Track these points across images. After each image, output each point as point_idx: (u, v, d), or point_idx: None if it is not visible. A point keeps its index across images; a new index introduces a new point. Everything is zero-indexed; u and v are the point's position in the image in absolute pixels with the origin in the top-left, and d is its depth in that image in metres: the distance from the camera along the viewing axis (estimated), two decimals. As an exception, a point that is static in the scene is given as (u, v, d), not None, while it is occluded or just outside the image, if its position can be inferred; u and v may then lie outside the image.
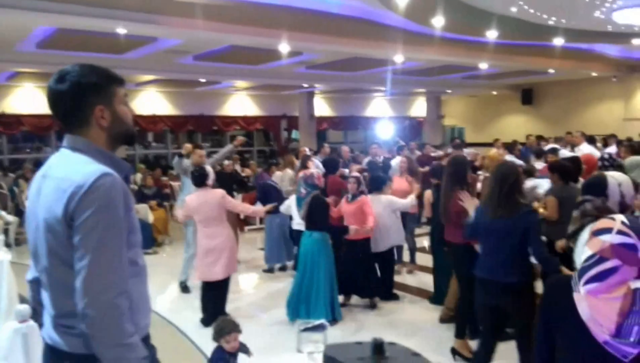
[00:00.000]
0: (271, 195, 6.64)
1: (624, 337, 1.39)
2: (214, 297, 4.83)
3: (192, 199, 4.89)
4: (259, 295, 5.99)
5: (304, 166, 6.92)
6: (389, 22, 8.01)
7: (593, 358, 1.45)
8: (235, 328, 3.26)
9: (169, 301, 5.80)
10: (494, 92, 16.90)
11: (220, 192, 4.85)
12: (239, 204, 5.53)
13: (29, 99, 12.20)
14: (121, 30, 6.97)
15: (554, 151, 7.62)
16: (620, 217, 1.51)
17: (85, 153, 1.52)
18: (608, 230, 1.47)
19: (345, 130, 18.18)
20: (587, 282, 1.46)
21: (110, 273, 1.42)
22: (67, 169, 1.49)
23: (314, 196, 4.74)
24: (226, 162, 7.29)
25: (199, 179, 4.86)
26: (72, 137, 1.56)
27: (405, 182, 6.34)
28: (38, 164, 12.56)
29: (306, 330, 4.22)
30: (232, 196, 6.69)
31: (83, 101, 1.54)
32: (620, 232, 1.45)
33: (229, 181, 7.37)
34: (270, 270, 6.83)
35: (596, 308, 1.44)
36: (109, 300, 1.41)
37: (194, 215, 4.88)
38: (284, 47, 8.50)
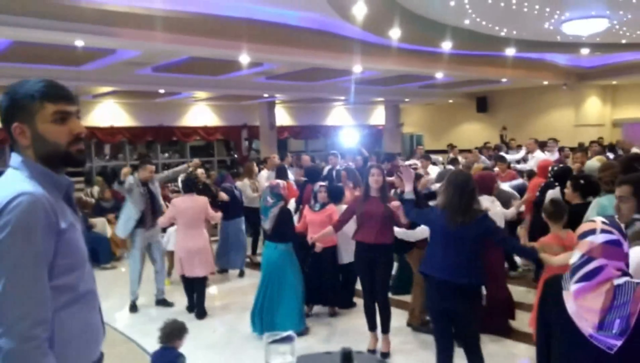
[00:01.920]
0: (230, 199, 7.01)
1: (607, 330, 1.52)
2: (197, 292, 5.55)
3: (179, 202, 5.49)
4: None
5: (281, 175, 6.86)
6: (347, 34, 8.17)
7: (582, 352, 1.57)
8: (185, 329, 3.46)
9: (127, 317, 5.70)
10: (450, 101, 17.42)
11: (205, 199, 5.62)
12: (213, 213, 5.92)
13: None
14: (79, 43, 6.84)
15: (501, 158, 8.03)
16: (599, 218, 1.66)
17: (22, 171, 1.46)
18: (592, 231, 1.62)
19: (306, 139, 18.29)
20: (577, 281, 1.60)
21: (26, 301, 1.31)
22: None
23: (282, 208, 4.75)
24: (200, 171, 7.23)
25: (188, 185, 5.55)
26: (13, 154, 1.52)
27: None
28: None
29: (274, 342, 4.21)
30: None
31: (5, 118, 1.50)
32: (603, 231, 1.60)
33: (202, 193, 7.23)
34: (224, 271, 7.19)
35: (581, 304, 1.57)
36: (24, 331, 1.29)
37: (179, 218, 5.47)
38: (244, 58, 8.52)
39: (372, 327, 4.47)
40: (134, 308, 5.80)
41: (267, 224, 4.76)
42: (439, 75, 11.79)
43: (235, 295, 6.38)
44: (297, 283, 4.83)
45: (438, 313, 3.38)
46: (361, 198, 4.41)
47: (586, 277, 1.59)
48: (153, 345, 4.54)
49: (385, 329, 4.39)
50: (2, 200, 1.35)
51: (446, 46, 9.03)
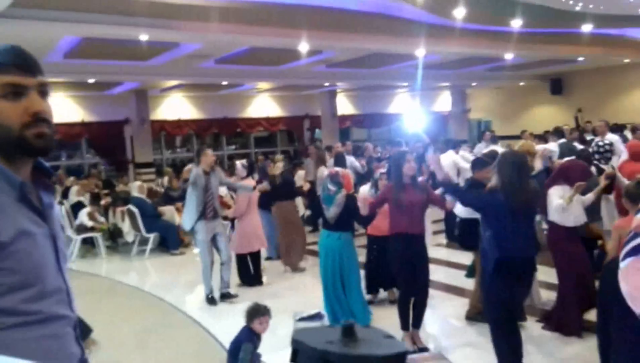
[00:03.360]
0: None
1: None
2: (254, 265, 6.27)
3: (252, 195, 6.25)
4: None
5: (339, 164, 6.84)
6: (408, 16, 7.96)
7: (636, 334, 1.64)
8: (268, 311, 3.49)
9: (195, 301, 5.91)
10: (521, 83, 16.58)
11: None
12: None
13: (60, 108, 12.56)
14: (143, 37, 7.14)
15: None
16: None
17: None
18: None
19: (369, 127, 18.13)
20: (624, 257, 1.63)
21: None
22: None
23: (348, 197, 4.70)
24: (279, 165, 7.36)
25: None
26: None
27: None
28: (71, 171, 13.01)
29: (302, 319, 4.17)
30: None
31: None
32: None
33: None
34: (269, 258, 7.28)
35: (632, 282, 1.59)
36: None
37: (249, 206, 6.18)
38: (303, 47, 8.54)
39: (408, 325, 4.26)
40: (212, 301, 5.70)
41: (330, 213, 4.69)
42: (508, 56, 11.22)
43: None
44: (359, 273, 4.82)
45: (511, 298, 3.41)
46: (395, 187, 4.25)
47: (633, 252, 1.60)
48: (220, 329, 4.76)
49: (420, 324, 4.29)
50: None
51: (516, 24, 8.55)
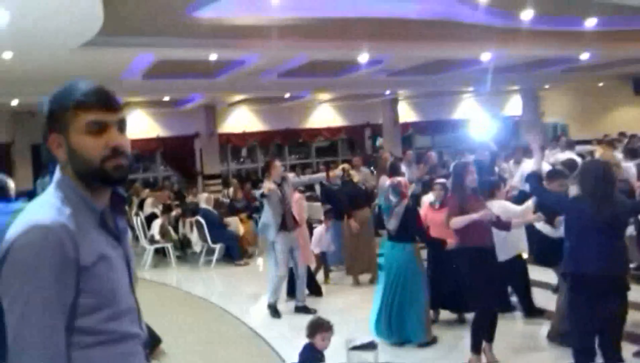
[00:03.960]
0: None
1: None
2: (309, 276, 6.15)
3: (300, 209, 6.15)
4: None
5: (394, 172, 6.81)
6: (471, 19, 7.80)
7: None
8: (331, 327, 3.46)
9: (258, 313, 6.06)
10: (600, 84, 15.66)
11: None
12: None
13: (138, 125, 13.17)
14: (212, 57, 7.56)
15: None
16: None
17: (58, 191, 1.27)
18: None
19: (432, 134, 17.82)
20: None
21: (36, 357, 1.15)
22: (22, 214, 1.26)
23: (407, 206, 4.65)
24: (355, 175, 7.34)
25: None
26: (56, 170, 1.32)
27: None
28: (146, 183, 13.86)
29: (356, 348, 4.12)
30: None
31: (44, 129, 1.30)
32: None
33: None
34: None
35: None
36: None
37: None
38: (363, 57, 8.61)
39: (480, 348, 4.07)
40: (276, 313, 5.72)
41: (391, 224, 4.66)
42: (584, 56, 10.67)
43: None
44: (424, 287, 4.69)
45: (590, 320, 3.20)
46: (458, 199, 4.14)
47: None
48: (280, 343, 4.88)
49: (493, 339, 4.14)
50: (12, 236, 1.19)
51: (590, 22, 8.14)
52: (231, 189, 11.85)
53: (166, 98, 11.02)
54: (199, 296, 7.13)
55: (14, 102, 10.25)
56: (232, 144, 15.01)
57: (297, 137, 15.65)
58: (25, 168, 11.98)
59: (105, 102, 1.28)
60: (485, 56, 9.61)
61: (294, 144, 16.28)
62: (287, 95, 12.40)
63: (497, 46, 8.98)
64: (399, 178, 5.06)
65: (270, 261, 5.94)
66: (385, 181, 5.56)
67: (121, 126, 1.31)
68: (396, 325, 4.63)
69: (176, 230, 9.54)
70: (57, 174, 1.30)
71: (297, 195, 6.24)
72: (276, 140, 15.50)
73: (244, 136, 14.88)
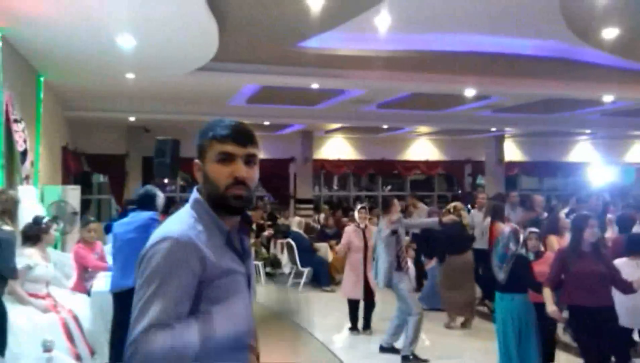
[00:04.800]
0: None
1: None
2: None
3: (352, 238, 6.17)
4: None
5: (497, 216, 6.39)
6: (591, 60, 7.31)
7: None
8: None
9: (343, 339, 6.11)
10: None
11: None
12: None
13: None
14: (314, 85, 7.79)
15: None
16: None
17: (192, 209, 1.47)
18: None
19: (540, 176, 16.80)
20: None
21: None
22: (160, 226, 1.48)
23: (517, 256, 4.40)
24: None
25: None
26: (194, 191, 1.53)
27: None
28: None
29: None
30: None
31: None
32: None
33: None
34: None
35: None
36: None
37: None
38: (469, 92, 8.38)
39: None
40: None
41: (501, 273, 4.41)
42: None
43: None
44: (538, 340, 4.42)
45: None
46: (568, 254, 3.89)
47: None
48: None
49: None
50: (148, 244, 1.40)
51: None
52: (322, 215, 11.97)
53: (266, 123, 11.50)
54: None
55: (131, 118, 11.26)
56: (326, 171, 15.24)
57: (392, 169, 15.52)
58: (137, 179, 13.06)
59: (236, 137, 1.45)
60: (607, 98, 8.92)
61: (389, 175, 16.15)
62: (384, 126, 12.38)
63: (619, 87, 8.31)
64: (515, 226, 4.79)
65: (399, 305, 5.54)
66: (505, 227, 5.12)
67: (249, 160, 1.47)
68: None
69: (267, 249, 9.83)
70: (195, 194, 1.50)
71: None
72: (370, 170, 15.49)
73: (338, 164, 15.05)
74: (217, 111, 10.24)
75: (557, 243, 5.36)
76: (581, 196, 8.81)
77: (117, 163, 12.76)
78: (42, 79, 7.12)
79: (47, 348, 2.01)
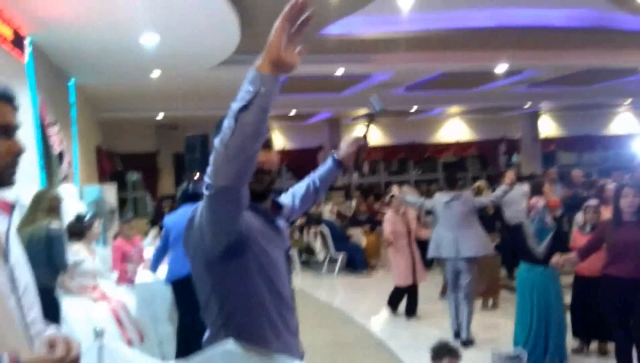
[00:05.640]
0: None
1: None
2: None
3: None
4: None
5: (537, 191, 6.33)
6: (627, 26, 7.04)
7: None
8: (457, 352, 3.29)
9: (382, 323, 6.16)
10: None
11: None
12: None
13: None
14: (339, 72, 7.76)
15: None
16: None
17: None
18: None
19: (579, 151, 16.34)
20: None
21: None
22: None
23: (557, 229, 4.46)
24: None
25: None
26: None
27: None
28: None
29: (502, 358, 3.91)
30: None
31: None
32: None
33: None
34: None
35: None
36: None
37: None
38: (501, 68, 8.20)
39: None
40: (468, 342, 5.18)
41: (541, 248, 4.42)
42: None
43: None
44: (563, 314, 4.46)
45: None
46: (611, 224, 3.85)
47: None
48: (406, 354, 4.87)
49: None
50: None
51: None
52: (354, 202, 12.00)
53: (292, 113, 11.53)
54: (323, 301, 7.38)
55: (159, 116, 11.48)
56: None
57: (423, 152, 15.37)
58: (169, 175, 13.35)
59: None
60: (648, 65, 8.60)
61: (420, 159, 16.00)
62: (414, 108, 12.25)
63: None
64: (556, 199, 4.78)
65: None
66: (539, 201, 5.14)
67: (265, 144, 1.52)
68: (550, 347, 4.38)
69: (301, 237, 9.97)
70: None
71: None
72: (401, 154, 15.38)
73: (368, 150, 14.95)
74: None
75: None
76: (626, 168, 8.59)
77: (148, 161, 13.08)
78: (72, 82, 7.34)
79: (99, 334, 2.13)
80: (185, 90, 9.21)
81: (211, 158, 1.33)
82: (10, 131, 1.29)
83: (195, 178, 5.73)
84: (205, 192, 1.37)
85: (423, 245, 6.27)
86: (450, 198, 5.23)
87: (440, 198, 5.38)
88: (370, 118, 1.98)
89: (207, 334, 1.59)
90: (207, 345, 1.54)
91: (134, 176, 14.12)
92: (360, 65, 7.39)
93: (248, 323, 1.53)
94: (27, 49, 5.03)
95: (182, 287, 3.82)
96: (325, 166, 2.04)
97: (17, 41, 4.76)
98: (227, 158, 1.29)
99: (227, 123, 1.28)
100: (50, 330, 1.37)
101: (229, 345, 1.41)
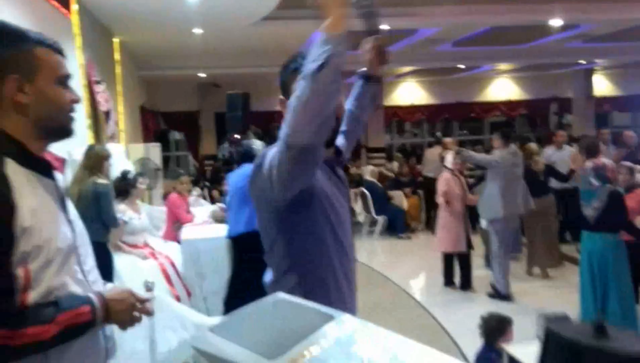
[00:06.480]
0: None
1: None
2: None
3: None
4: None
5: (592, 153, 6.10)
6: None
7: None
8: (510, 322, 3.24)
9: (421, 287, 6.28)
10: None
11: None
12: None
13: None
14: (384, 27, 7.49)
15: None
16: None
17: None
18: None
19: (635, 111, 15.51)
20: None
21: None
22: None
23: (612, 192, 4.23)
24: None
25: None
26: None
27: None
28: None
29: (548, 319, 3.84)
30: None
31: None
32: None
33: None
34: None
35: None
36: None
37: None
38: (555, 22, 7.75)
39: None
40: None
41: (589, 210, 4.28)
42: None
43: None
44: (629, 282, 4.27)
45: None
46: None
47: None
48: (444, 314, 4.96)
49: None
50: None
51: None
52: (395, 164, 11.88)
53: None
54: (362, 262, 7.39)
55: (201, 74, 11.52)
56: (399, 118, 14.94)
57: (469, 112, 14.93)
58: (211, 135, 13.51)
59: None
60: None
61: (465, 119, 15.57)
62: (461, 66, 11.82)
63: None
64: (604, 160, 4.53)
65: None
66: (588, 163, 4.98)
67: None
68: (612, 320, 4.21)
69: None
70: None
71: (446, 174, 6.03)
72: (445, 114, 15.00)
73: (411, 110, 14.69)
74: (286, 62, 10.24)
75: None
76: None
77: (191, 120, 13.24)
78: (116, 40, 7.41)
79: (148, 288, 2.21)
80: (227, 47, 9.16)
81: (289, 118, 1.35)
82: (68, 80, 1.35)
83: (236, 139, 5.75)
84: (283, 150, 1.37)
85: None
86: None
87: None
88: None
89: (269, 277, 1.64)
90: (270, 289, 1.58)
91: (176, 135, 14.38)
92: (405, 19, 7.11)
93: (312, 270, 1.57)
94: (74, 6, 5.07)
95: (238, 243, 3.89)
96: (355, 89, 2.00)
97: (64, -2, 4.80)
98: (307, 117, 1.32)
99: (305, 83, 1.33)
100: (110, 285, 1.45)
101: (280, 295, 1.42)
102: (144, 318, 1.39)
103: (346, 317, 0.96)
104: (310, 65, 1.33)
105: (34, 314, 1.16)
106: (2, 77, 1.23)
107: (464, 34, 9.00)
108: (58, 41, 1.35)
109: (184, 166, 14.58)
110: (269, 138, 15.26)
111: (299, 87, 1.34)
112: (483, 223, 6.00)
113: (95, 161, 3.99)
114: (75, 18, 5.07)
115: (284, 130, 1.36)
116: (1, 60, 1.23)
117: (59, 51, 1.34)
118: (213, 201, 8.27)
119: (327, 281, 1.58)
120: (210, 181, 10.73)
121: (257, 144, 4.12)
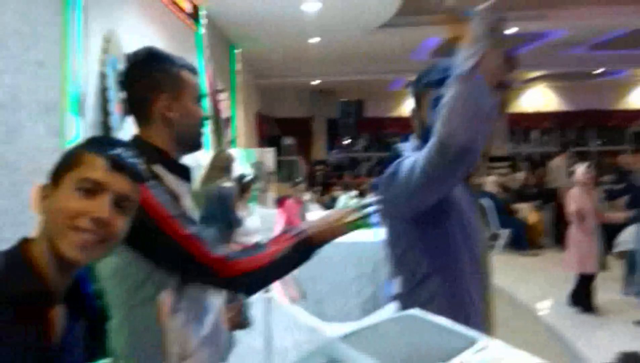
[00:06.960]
0: None
1: None
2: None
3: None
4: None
5: None
6: None
7: None
8: None
9: (549, 305, 5.95)
10: None
11: None
12: None
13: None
14: (511, 30, 7.30)
15: None
16: None
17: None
18: None
19: None
20: None
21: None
22: None
23: None
24: None
25: None
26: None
27: None
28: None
29: None
30: None
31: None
32: None
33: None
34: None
35: None
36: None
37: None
38: None
39: None
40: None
41: None
42: None
43: None
44: None
45: None
46: None
47: None
48: (579, 340, 4.69)
49: None
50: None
51: None
52: (521, 174, 11.34)
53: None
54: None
55: (315, 82, 11.98)
56: (525, 126, 14.30)
57: (607, 120, 13.90)
58: (321, 140, 13.97)
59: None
60: None
61: (603, 127, 14.47)
62: (598, 70, 11.03)
63: None
64: None
65: None
66: None
67: None
68: None
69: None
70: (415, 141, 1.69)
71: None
72: (578, 122, 14.08)
73: (538, 117, 13.97)
74: (399, 68, 10.30)
75: None
76: None
77: (303, 126, 13.79)
78: (235, 50, 8.01)
79: (266, 288, 2.45)
80: (341, 55, 9.47)
81: (445, 118, 1.33)
82: (202, 99, 1.60)
83: (345, 143, 5.94)
84: (435, 153, 1.34)
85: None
86: None
87: None
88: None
89: (395, 289, 1.61)
90: (399, 301, 1.57)
91: (287, 140, 15.05)
92: (534, 22, 6.85)
93: (449, 284, 1.54)
94: (203, 20, 5.61)
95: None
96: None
97: (193, 12, 5.33)
98: (466, 117, 1.31)
99: (459, 83, 1.33)
100: None
101: (416, 312, 1.40)
102: (261, 316, 1.53)
103: (489, 342, 0.90)
104: (462, 65, 1.34)
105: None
106: (157, 94, 1.49)
107: (597, 37, 8.45)
108: (188, 56, 1.60)
109: (295, 171, 15.21)
110: (380, 143, 15.40)
111: (453, 87, 1.33)
112: (628, 244, 5.59)
113: (223, 163, 4.37)
114: (203, 33, 5.61)
115: (439, 131, 1.33)
116: (156, 80, 1.49)
117: (196, 73, 1.59)
118: (323, 205, 8.57)
119: (463, 299, 1.56)
120: (322, 185, 11.12)
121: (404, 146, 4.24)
